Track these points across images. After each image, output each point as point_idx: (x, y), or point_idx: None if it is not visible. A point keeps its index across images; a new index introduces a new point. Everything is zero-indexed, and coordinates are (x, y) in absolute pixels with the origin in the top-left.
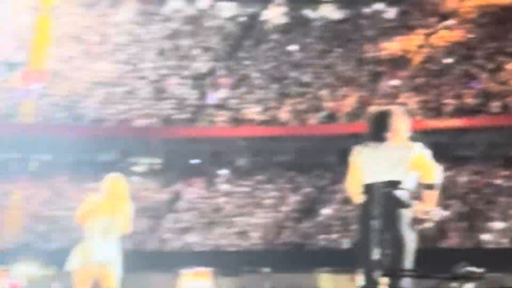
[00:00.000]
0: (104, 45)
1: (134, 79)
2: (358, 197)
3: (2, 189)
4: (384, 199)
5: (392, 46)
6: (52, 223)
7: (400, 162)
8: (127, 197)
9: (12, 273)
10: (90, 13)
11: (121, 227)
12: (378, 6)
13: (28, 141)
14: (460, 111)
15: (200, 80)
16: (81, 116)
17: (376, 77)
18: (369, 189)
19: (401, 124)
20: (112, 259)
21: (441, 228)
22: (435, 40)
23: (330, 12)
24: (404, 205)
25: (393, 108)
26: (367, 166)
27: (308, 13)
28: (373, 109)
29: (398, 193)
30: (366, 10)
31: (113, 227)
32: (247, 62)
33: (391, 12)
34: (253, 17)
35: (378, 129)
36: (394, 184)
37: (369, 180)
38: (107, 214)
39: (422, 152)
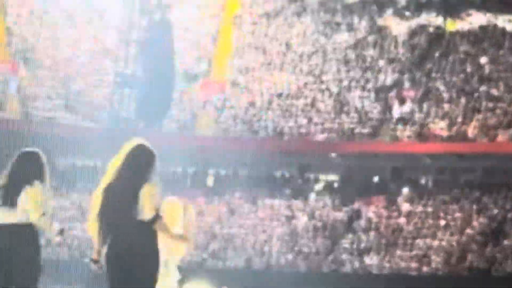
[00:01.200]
0: (287, 56)
1: (315, 91)
2: None
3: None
4: None
5: None
6: (226, 242)
7: None
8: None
9: None
10: (273, 23)
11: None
12: None
13: (205, 154)
14: None
15: (383, 93)
16: (260, 129)
17: None
18: None
19: None
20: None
21: None
22: None
23: None
24: None
25: None
26: None
27: (501, 23)
28: None
29: None
30: None
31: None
32: (434, 74)
33: None
34: (441, 28)
35: None
36: None
37: None
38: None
39: None
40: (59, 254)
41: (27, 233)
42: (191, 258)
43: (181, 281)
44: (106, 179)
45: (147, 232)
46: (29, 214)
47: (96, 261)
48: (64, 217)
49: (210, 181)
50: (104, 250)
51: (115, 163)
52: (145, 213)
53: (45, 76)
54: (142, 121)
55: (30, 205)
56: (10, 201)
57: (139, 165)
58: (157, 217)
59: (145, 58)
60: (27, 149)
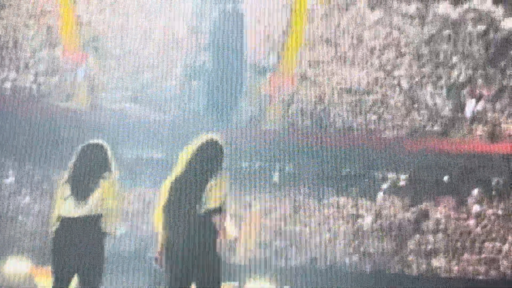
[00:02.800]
0: (358, 50)
1: (386, 87)
2: None
3: (242, 200)
4: None
5: None
6: (290, 240)
7: None
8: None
9: None
10: (345, 15)
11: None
12: None
13: (272, 149)
14: None
15: (456, 90)
16: (328, 125)
17: None
18: None
19: None
20: None
21: None
22: None
23: None
24: None
25: None
26: None
27: None
28: None
29: None
30: None
31: None
32: (509, 72)
33: None
34: None
35: None
36: None
37: None
38: None
39: None
40: (123, 246)
41: (94, 226)
42: (255, 255)
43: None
44: (175, 171)
45: (208, 229)
46: (99, 207)
47: (157, 259)
48: (128, 210)
49: (276, 177)
50: (166, 245)
51: (185, 156)
52: (209, 204)
53: (113, 66)
54: (210, 114)
55: (106, 199)
56: (81, 194)
57: (209, 159)
58: (219, 210)
59: (215, 50)
60: (93, 140)
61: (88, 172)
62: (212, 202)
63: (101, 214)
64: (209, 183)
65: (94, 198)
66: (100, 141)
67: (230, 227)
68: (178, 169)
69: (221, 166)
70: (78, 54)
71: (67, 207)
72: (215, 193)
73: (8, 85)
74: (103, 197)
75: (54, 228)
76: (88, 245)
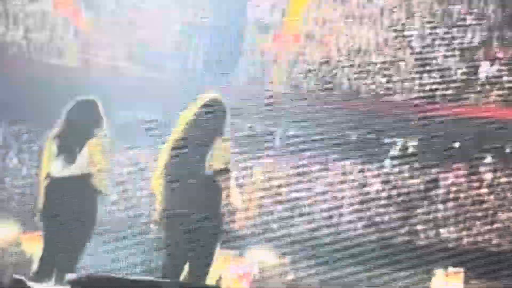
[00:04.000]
0: (367, 9)
1: (396, 48)
2: None
3: (244, 165)
4: None
5: None
6: (292, 207)
7: None
8: None
9: (245, 260)
10: None
11: None
12: None
13: (275, 112)
14: None
15: (470, 52)
16: (334, 87)
17: None
18: None
19: None
20: None
21: None
22: None
23: None
24: None
25: None
26: None
27: None
28: None
29: None
30: None
31: None
32: None
33: None
34: None
35: None
36: None
37: None
38: None
39: None
40: (115, 212)
41: (85, 186)
42: (256, 223)
43: None
44: (175, 133)
45: (213, 190)
46: (88, 166)
47: (157, 222)
48: (120, 174)
49: (278, 141)
50: (165, 209)
51: (186, 116)
52: (214, 164)
53: (107, 22)
54: (210, 73)
55: (93, 157)
56: (69, 152)
57: (213, 118)
58: (225, 170)
59: (215, 6)
60: (83, 97)
61: (77, 128)
62: (218, 163)
63: (91, 173)
64: (214, 143)
65: (82, 155)
66: (91, 97)
67: (235, 192)
68: (179, 130)
69: (225, 125)
70: (70, 9)
71: (55, 165)
72: (221, 153)
73: None
74: (91, 154)
75: (43, 188)
76: (80, 206)
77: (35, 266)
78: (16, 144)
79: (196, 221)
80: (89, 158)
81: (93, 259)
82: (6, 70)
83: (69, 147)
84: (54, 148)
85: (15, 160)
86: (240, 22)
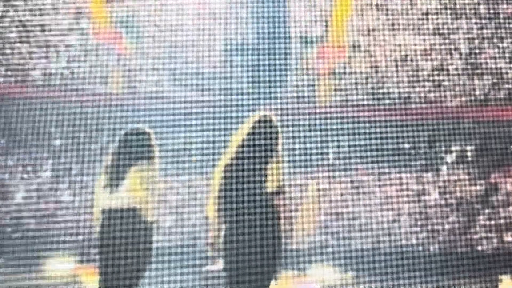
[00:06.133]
0: (411, 15)
1: (443, 53)
2: None
3: (297, 182)
4: None
5: None
6: (350, 221)
7: None
8: None
9: (306, 278)
10: None
11: None
12: None
13: (325, 126)
14: None
15: None
16: (384, 96)
17: None
18: None
19: None
20: None
21: None
22: None
23: None
24: None
25: None
26: None
27: None
28: None
29: None
30: None
31: None
32: None
33: None
34: None
35: None
36: None
37: None
38: None
39: None
40: (170, 240)
41: (133, 218)
42: (313, 239)
43: None
44: (227, 155)
45: (271, 213)
46: (134, 197)
47: (213, 245)
48: (174, 200)
49: (331, 155)
50: (222, 232)
51: (237, 138)
52: (270, 185)
53: (149, 46)
54: (255, 91)
55: (136, 187)
56: (116, 183)
57: (266, 138)
58: (280, 191)
59: (256, 22)
60: (134, 126)
61: (127, 160)
62: (273, 183)
63: (137, 205)
64: (268, 163)
65: (128, 187)
66: (143, 126)
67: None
68: (230, 151)
69: (278, 144)
70: (111, 35)
71: (102, 197)
72: (275, 173)
73: (38, 73)
74: (132, 186)
75: (98, 222)
76: (132, 236)
77: None
78: (67, 177)
79: (254, 244)
80: (130, 190)
81: None
82: (51, 101)
83: (116, 179)
84: (103, 180)
85: (66, 194)
86: (283, 37)
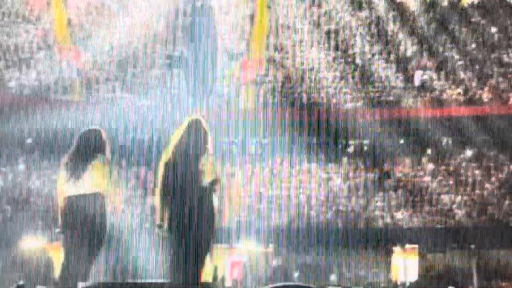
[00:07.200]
0: (316, 34)
1: (343, 64)
2: None
3: (226, 172)
4: None
5: None
6: (270, 203)
7: None
8: None
9: (235, 251)
10: (302, 4)
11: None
12: None
13: (248, 125)
14: None
15: (404, 63)
16: (296, 101)
17: None
18: None
19: None
20: None
21: None
22: None
23: None
24: None
25: None
26: None
27: None
28: None
29: None
30: None
31: None
32: (449, 45)
33: None
34: (454, 2)
35: None
36: None
37: None
38: None
39: None
40: (123, 220)
41: (95, 202)
42: (240, 218)
43: None
44: (167, 153)
45: (205, 199)
46: (97, 185)
47: (160, 226)
48: (126, 187)
49: (253, 149)
50: (167, 216)
51: (174, 138)
52: (206, 177)
53: (103, 61)
54: (191, 97)
55: (97, 177)
56: (77, 175)
57: (196, 138)
58: (216, 180)
59: (191, 41)
60: (89, 127)
61: (85, 155)
62: (208, 176)
63: (99, 192)
64: (200, 159)
65: (88, 177)
66: (96, 127)
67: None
68: (169, 150)
69: (207, 143)
70: (72, 52)
71: (67, 187)
72: (209, 167)
73: (13, 84)
74: (96, 176)
75: (62, 208)
76: (92, 219)
77: (57, 273)
78: (37, 169)
79: (193, 225)
80: (93, 180)
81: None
82: (23, 107)
83: (77, 172)
84: (65, 173)
85: (37, 183)
86: (212, 53)
